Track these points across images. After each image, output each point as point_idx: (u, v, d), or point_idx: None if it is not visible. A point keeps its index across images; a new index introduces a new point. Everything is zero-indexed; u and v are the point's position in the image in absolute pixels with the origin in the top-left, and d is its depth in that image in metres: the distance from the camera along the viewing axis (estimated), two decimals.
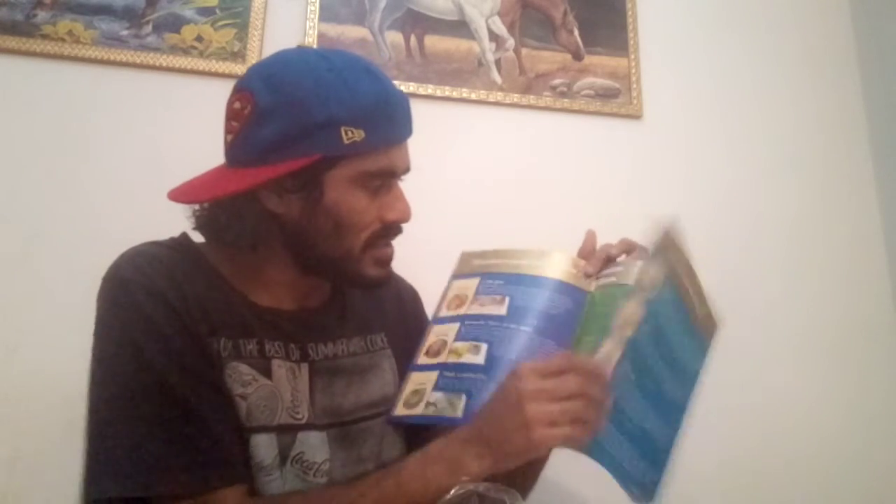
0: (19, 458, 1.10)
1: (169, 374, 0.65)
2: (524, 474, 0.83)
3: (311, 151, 0.69)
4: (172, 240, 0.77)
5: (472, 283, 0.83)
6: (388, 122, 0.72)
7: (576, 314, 0.76)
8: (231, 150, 0.73)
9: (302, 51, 0.78)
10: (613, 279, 0.78)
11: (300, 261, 0.76)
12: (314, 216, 0.72)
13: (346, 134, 0.68)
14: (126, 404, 0.64)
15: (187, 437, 0.64)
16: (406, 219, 0.77)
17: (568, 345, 0.74)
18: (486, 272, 0.83)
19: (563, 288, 0.78)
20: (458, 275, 0.88)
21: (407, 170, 0.78)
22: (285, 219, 0.73)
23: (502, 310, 0.77)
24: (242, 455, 0.68)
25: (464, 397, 0.73)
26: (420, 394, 0.76)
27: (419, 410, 0.75)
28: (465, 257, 0.90)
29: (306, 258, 0.76)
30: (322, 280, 0.81)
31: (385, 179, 0.74)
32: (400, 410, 0.78)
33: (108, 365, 0.67)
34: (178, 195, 0.74)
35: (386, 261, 0.78)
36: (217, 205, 0.75)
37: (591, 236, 0.83)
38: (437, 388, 0.75)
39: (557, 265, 0.80)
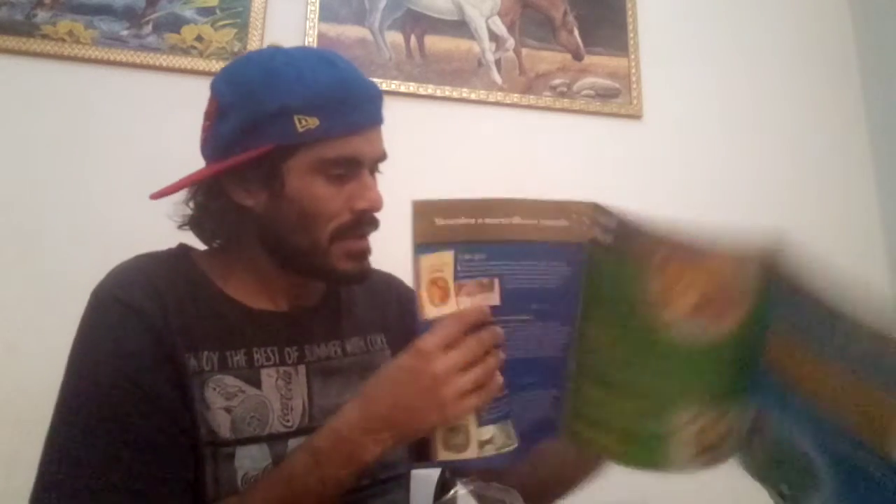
0: (19, 458, 1.10)
1: (117, 395, 0.64)
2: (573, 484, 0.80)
3: (265, 141, 0.69)
4: (168, 251, 0.77)
5: (446, 260, 0.63)
6: (345, 108, 0.70)
7: (575, 278, 0.63)
8: (202, 149, 0.76)
9: (266, 49, 0.78)
10: None
11: (275, 256, 0.75)
12: (279, 207, 0.71)
13: (300, 122, 0.68)
14: (72, 421, 0.64)
15: (121, 460, 0.63)
16: (377, 207, 0.73)
17: (572, 316, 0.63)
18: (459, 241, 0.63)
19: (554, 252, 0.64)
20: (422, 245, 0.63)
21: (378, 159, 0.75)
22: (255, 212, 0.73)
23: (495, 298, 0.63)
24: (188, 478, 0.66)
25: (510, 421, 0.64)
26: (463, 431, 0.64)
27: (474, 453, 0.63)
28: (423, 213, 0.61)
29: (278, 252, 0.75)
30: (301, 277, 0.79)
31: (349, 168, 0.72)
32: (444, 455, 0.64)
33: (67, 379, 0.67)
34: (155, 193, 0.75)
35: (358, 254, 0.75)
36: (191, 202, 0.77)
37: None
38: (483, 421, 0.64)
39: (546, 219, 0.64)
